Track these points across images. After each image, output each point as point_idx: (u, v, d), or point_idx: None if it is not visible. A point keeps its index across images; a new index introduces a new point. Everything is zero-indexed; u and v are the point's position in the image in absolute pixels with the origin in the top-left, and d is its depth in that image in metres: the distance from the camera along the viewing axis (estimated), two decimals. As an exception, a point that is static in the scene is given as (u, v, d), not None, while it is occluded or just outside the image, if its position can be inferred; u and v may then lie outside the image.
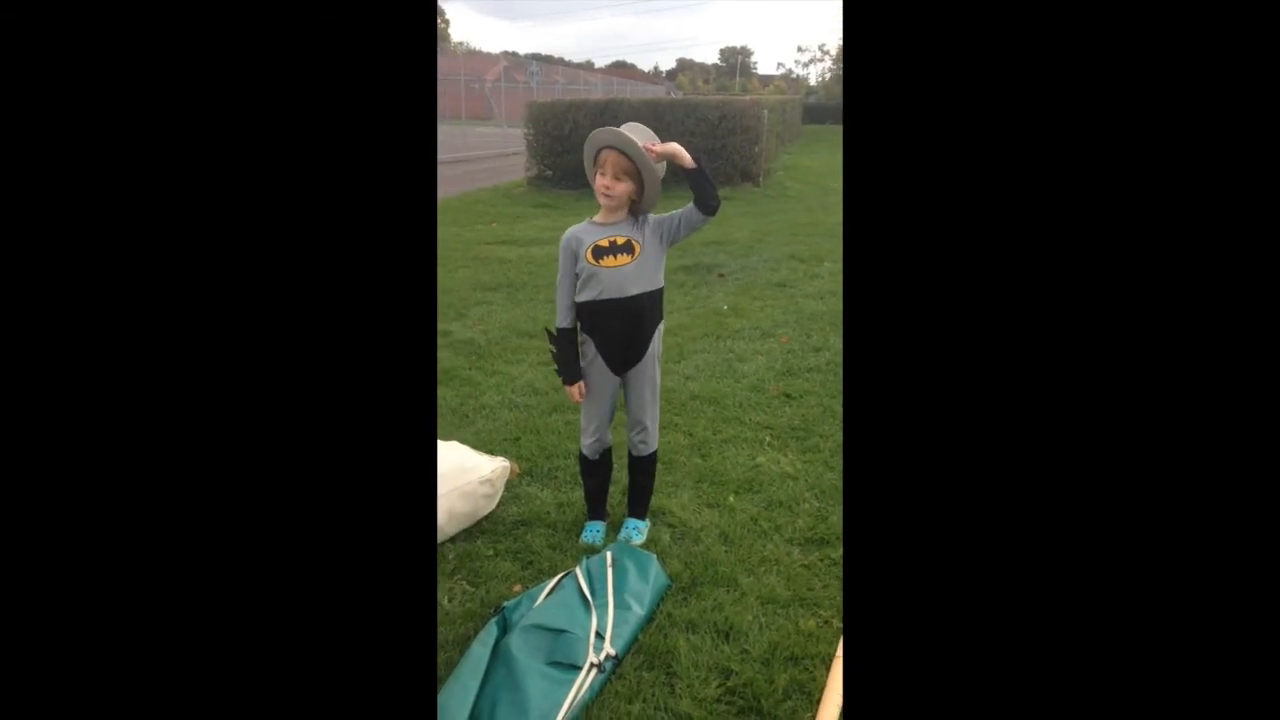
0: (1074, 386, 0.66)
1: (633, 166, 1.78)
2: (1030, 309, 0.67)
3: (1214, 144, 0.63)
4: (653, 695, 1.45)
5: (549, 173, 9.80)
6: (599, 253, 1.83)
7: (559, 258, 1.88)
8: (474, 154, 14.97)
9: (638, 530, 2.03)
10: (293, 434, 0.69)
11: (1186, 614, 0.61)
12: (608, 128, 1.80)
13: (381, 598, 0.69)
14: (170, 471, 0.66)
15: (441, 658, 1.57)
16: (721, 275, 5.16)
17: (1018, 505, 0.66)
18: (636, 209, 1.85)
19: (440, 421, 2.78)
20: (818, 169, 12.83)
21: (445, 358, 3.54)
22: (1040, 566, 0.65)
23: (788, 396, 2.95)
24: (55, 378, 0.64)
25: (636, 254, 1.83)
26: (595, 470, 2.05)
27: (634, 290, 1.84)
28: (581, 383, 1.92)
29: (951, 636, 0.66)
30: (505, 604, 1.66)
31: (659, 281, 1.90)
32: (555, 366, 1.93)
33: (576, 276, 1.85)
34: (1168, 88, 0.63)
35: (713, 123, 9.27)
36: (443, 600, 1.76)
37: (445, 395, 3.05)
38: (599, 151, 1.81)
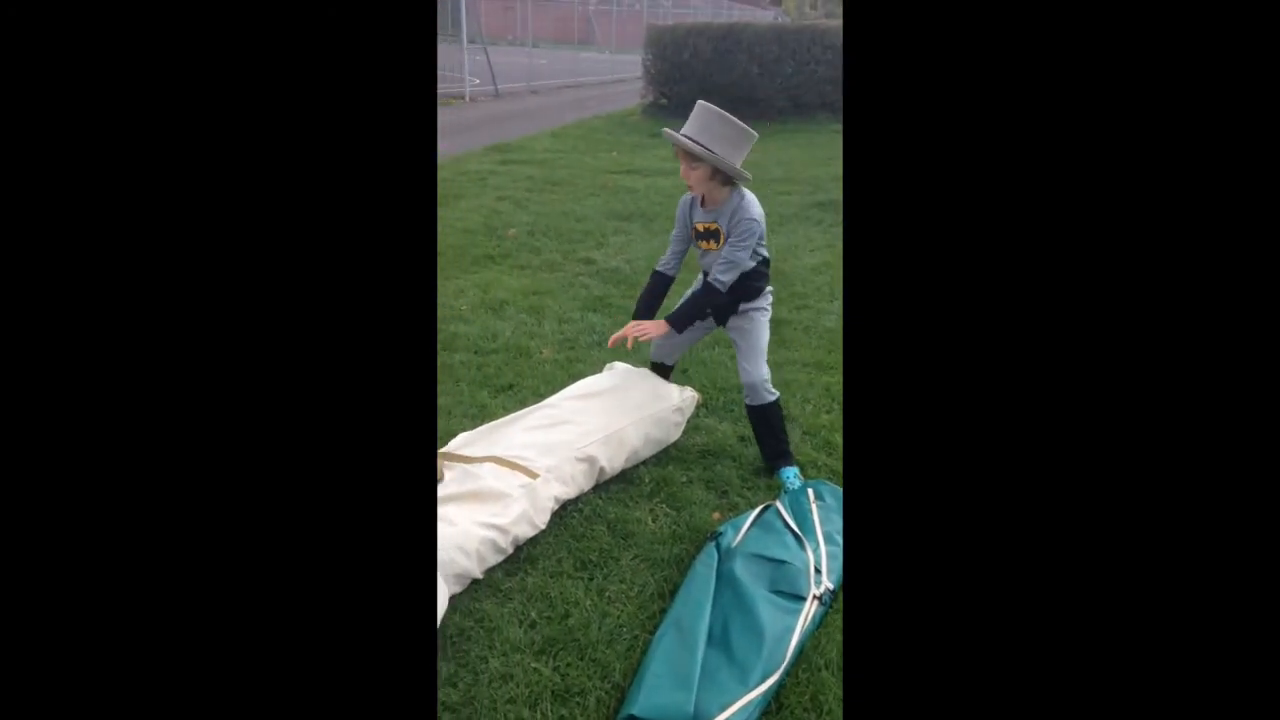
0: (1083, 379, 0.63)
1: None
2: (1033, 304, 0.65)
3: (1216, 142, 0.61)
4: (877, 632, 1.46)
5: (664, 100, 9.57)
6: (698, 235, 1.95)
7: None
8: (584, 79, 14.77)
9: (793, 475, 1.95)
10: (286, 429, 0.65)
11: (1189, 614, 0.61)
12: (667, 130, 1.84)
13: (380, 602, 0.66)
14: (165, 465, 0.63)
15: (658, 574, 1.63)
16: (861, 215, 4.94)
17: (1025, 506, 0.64)
18: (722, 181, 1.83)
19: (604, 351, 2.83)
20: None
21: (594, 285, 3.58)
22: (1046, 567, 0.63)
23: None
24: (48, 378, 0.61)
25: (721, 243, 1.89)
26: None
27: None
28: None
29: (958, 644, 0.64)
30: (719, 530, 1.70)
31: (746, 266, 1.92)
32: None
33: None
34: (1171, 77, 0.62)
35: (840, 51, 8.75)
36: (646, 520, 1.82)
37: (605, 324, 3.09)
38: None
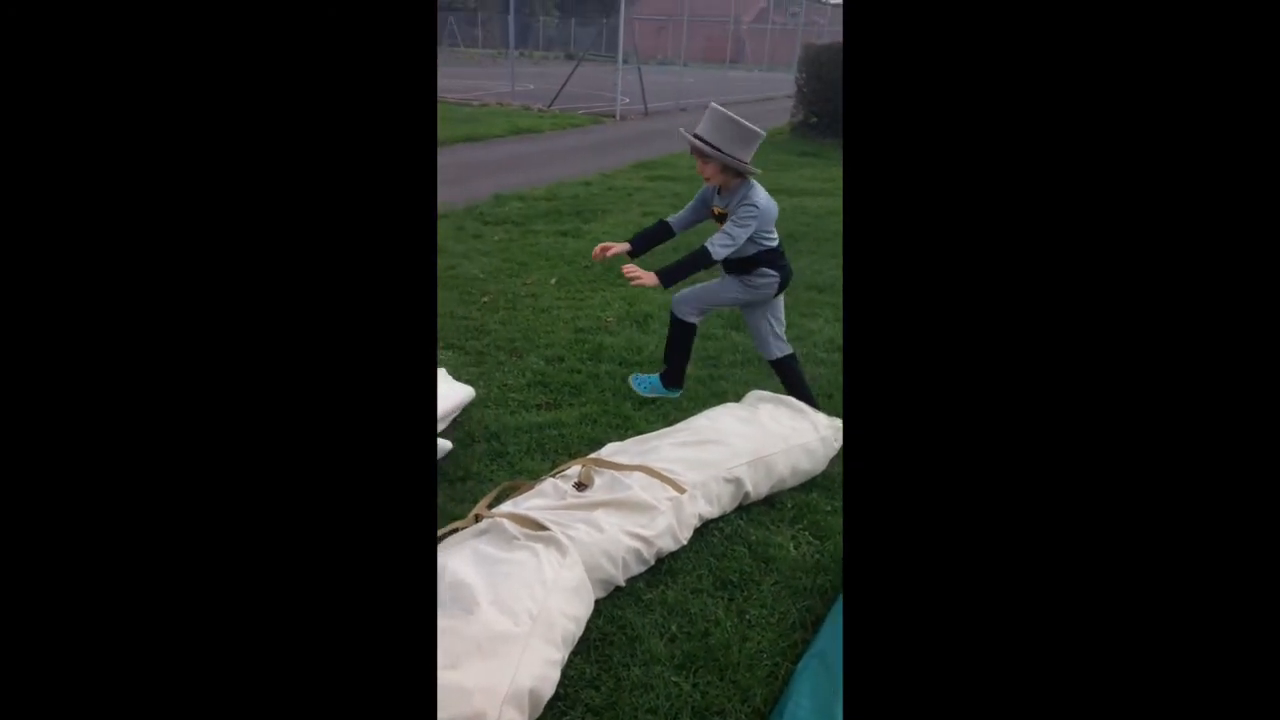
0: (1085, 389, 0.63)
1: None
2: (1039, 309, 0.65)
3: (1216, 144, 0.61)
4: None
5: (814, 119, 9.42)
6: (715, 217, 2.22)
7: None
8: (731, 98, 14.85)
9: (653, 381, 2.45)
10: (288, 437, 0.64)
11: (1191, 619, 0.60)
12: (682, 130, 2.10)
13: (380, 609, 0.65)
14: (157, 460, 0.63)
15: (800, 604, 1.60)
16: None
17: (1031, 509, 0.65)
18: (733, 173, 2.07)
19: (747, 369, 2.83)
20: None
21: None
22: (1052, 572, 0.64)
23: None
24: (52, 389, 0.61)
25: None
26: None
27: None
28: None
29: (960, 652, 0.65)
30: (867, 566, 1.65)
31: (745, 250, 2.15)
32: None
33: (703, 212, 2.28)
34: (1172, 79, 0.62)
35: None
36: (788, 545, 1.80)
37: (747, 343, 3.08)
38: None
